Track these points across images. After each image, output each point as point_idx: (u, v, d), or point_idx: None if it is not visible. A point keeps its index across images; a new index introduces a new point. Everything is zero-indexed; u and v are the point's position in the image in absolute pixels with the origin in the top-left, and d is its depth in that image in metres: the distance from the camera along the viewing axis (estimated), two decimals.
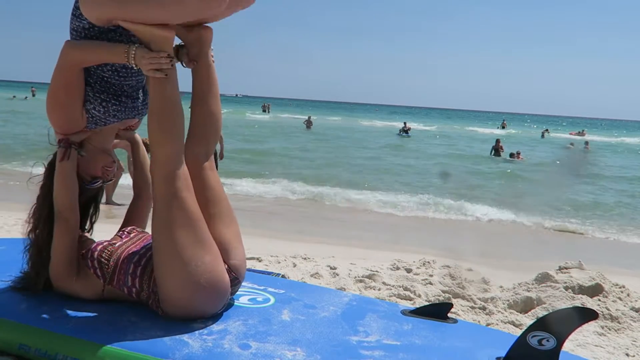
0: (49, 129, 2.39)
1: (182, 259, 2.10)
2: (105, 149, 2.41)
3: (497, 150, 20.55)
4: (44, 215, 2.31)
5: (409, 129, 31.48)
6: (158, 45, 2.08)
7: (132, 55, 2.08)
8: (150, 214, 2.32)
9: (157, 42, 2.08)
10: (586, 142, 26.88)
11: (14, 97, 44.32)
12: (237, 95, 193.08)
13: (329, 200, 9.36)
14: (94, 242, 2.44)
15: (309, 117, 33.44)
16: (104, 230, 2.81)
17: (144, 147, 2.72)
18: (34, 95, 46.59)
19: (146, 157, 2.68)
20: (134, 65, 2.11)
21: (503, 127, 46.20)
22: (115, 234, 2.54)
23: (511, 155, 19.36)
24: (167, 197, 2.13)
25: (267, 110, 52.61)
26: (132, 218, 2.65)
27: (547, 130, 45.31)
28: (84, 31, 2.19)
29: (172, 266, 2.12)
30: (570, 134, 45.00)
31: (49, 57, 2.39)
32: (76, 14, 2.20)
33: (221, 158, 8.05)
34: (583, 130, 48.16)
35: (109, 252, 2.32)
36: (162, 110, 2.13)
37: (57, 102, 2.24)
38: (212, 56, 2.34)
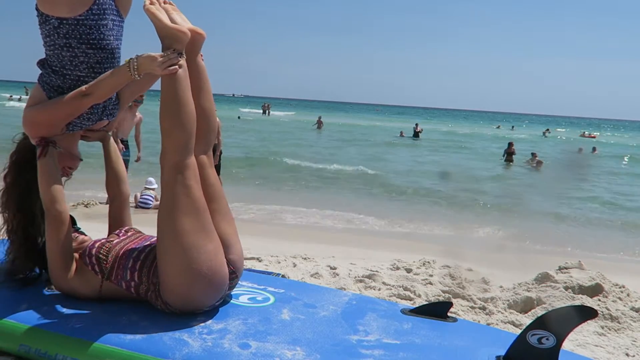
0: (16, 135, 2.47)
1: (185, 245, 2.13)
2: (69, 150, 2.44)
3: (509, 154, 19.51)
4: (12, 210, 2.38)
5: (421, 131, 29.85)
6: (171, 41, 2.17)
7: (134, 67, 2.15)
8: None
9: (170, 38, 2.18)
10: (594, 148, 26.59)
11: (11, 97, 44.88)
12: (233, 95, 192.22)
13: None
14: (91, 239, 2.47)
15: (319, 118, 34.87)
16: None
17: (115, 145, 2.72)
18: (27, 94, 47.17)
19: (118, 156, 2.69)
20: (136, 76, 2.17)
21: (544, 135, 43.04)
22: (113, 232, 2.56)
23: (532, 155, 18.32)
24: (174, 185, 2.16)
25: (266, 112, 51.78)
26: (116, 224, 2.64)
27: (547, 130, 45.30)
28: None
29: (175, 252, 2.14)
30: (581, 135, 44.80)
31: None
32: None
33: (138, 161, 7.89)
34: (584, 132, 48.33)
35: (106, 249, 2.34)
36: (172, 101, 2.18)
37: (47, 125, 2.30)
38: (202, 58, 2.41)
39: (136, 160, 7.88)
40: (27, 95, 46.71)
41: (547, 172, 16.85)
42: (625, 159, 23.20)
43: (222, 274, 2.23)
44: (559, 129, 58.59)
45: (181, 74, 2.18)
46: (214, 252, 2.20)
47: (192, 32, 2.28)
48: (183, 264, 2.14)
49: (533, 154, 18.76)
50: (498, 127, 56.14)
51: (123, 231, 2.53)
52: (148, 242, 2.38)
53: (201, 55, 2.40)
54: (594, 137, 43.78)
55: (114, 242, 2.39)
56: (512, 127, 57.11)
